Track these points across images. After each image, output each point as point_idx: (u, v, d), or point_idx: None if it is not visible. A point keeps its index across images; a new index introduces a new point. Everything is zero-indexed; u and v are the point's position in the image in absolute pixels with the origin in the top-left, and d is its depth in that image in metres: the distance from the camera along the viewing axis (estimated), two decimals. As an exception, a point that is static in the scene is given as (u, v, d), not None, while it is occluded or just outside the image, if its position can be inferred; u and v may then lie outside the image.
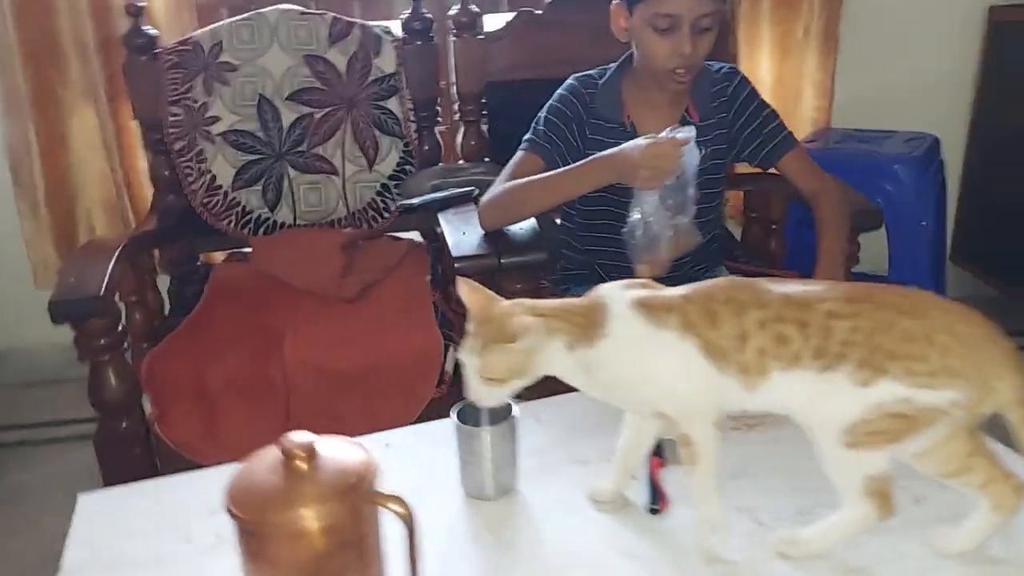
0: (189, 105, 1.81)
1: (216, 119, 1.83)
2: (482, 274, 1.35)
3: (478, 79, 1.92)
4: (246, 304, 1.65)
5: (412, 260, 1.83)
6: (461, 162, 1.98)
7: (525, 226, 1.41)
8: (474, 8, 1.90)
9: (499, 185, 1.43)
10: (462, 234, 1.40)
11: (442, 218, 1.50)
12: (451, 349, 1.48)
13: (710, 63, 1.52)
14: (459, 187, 1.60)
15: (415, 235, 1.99)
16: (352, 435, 1.34)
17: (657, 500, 0.94)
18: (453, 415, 0.98)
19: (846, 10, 2.22)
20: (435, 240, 1.95)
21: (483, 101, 1.94)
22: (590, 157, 1.35)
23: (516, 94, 1.92)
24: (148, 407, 1.41)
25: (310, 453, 0.66)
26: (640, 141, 1.24)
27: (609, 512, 0.95)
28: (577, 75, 1.56)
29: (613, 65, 1.56)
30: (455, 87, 1.96)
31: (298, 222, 1.90)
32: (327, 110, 1.87)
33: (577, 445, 1.07)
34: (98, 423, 1.38)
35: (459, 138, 1.99)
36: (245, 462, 0.70)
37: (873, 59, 2.29)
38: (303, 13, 1.86)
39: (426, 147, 1.95)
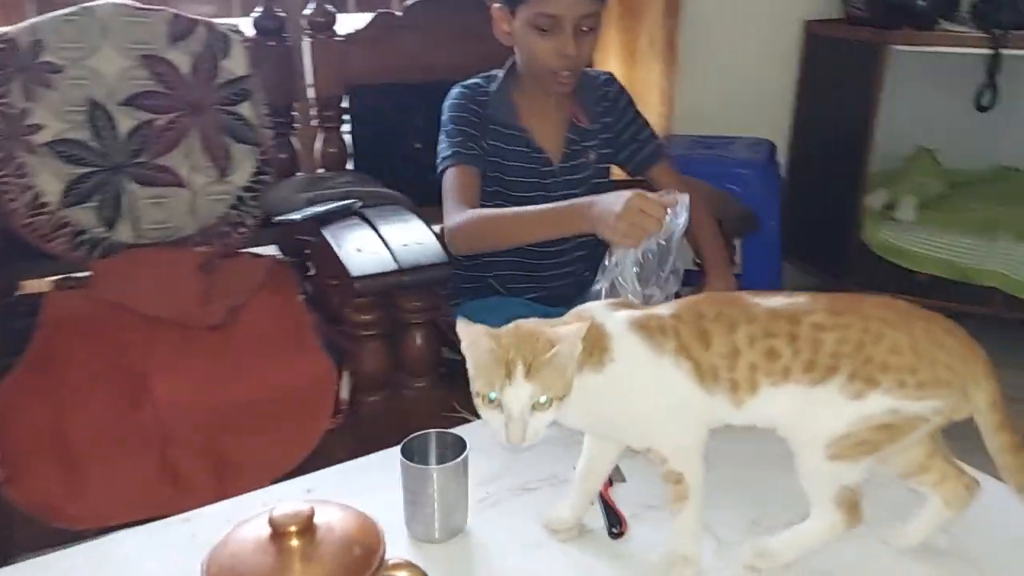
0: (4, 112, 1.57)
1: (39, 127, 1.60)
2: (384, 293, 1.27)
3: (338, 83, 1.81)
4: (94, 338, 1.45)
5: (276, 279, 1.69)
6: (321, 171, 1.87)
7: (423, 239, 1.34)
8: (330, 8, 1.79)
9: (460, 211, 1.34)
10: (357, 251, 1.30)
11: (328, 234, 1.39)
12: (344, 375, 1.38)
13: (588, 69, 1.53)
14: (337, 199, 1.50)
15: (271, 250, 1.86)
16: (242, 479, 1.24)
17: (617, 523, 0.92)
18: (399, 452, 0.91)
19: (683, 21, 2.32)
20: (298, 255, 1.84)
21: (343, 106, 1.84)
22: (570, 201, 1.25)
23: (380, 99, 1.85)
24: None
25: (306, 526, 0.57)
26: (625, 193, 1.12)
27: (568, 541, 0.92)
28: (462, 84, 1.51)
29: (497, 72, 1.53)
30: (313, 91, 1.84)
31: (141, 241, 1.70)
32: (170, 116, 1.69)
33: (520, 472, 1.02)
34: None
35: (318, 145, 1.87)
36: (221, 542, 0.59)
37: (707, 69, 2.41)
38: (139, 9, 1.67)
39: (282, 155, 1.82)
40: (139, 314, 1.53)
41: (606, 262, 1.11)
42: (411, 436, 0.92)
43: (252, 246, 1.81)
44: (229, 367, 1.38)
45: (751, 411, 0.79)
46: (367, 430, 1.38)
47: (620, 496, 0.96)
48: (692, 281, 1.68)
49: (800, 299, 0.79)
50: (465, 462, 0.90)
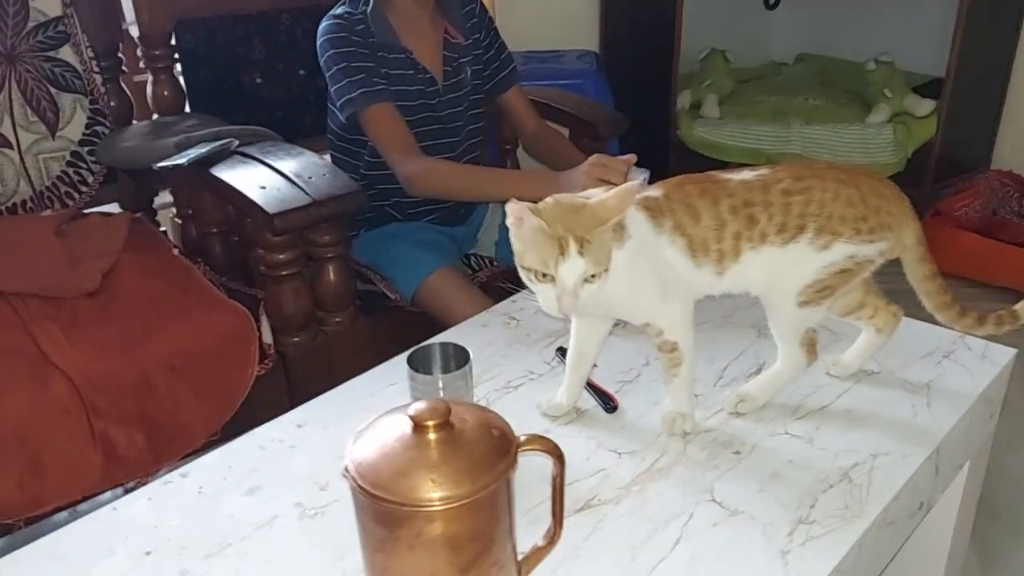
0: None
1: None
2: (303, 228, 1.25)
3: (164, 19, 1.68)
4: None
5: (138, 236, 1.57)
6: (156, 116, 1.74)
7: (326, 170, 1.31)
8: (145, -66, 1.64)
9: (409, 155, 1.40)
10: (261, 188, 1.25)
11: (220, 175, 1.32)
12: (262, 319, 1.34)
13: None
14: (209, 140, 1.42)
15: (113, 208, 1.72)
16: (177, 441, 1.19)
17: (608, 400, 1.01)
18: (405, 363, 0.93)
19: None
20: (144, 210, 1.72)
21: (173, 44, 1.71)
22: (539, 169, 1.42)
23: (212, 34, 1.74)
24: None
25: (444, 420, 0.59)
26: (589, 160, 1.22)
27: (571, 423, 0.99)
28: (331, 16, 1.49)
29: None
30: (137, 30, 1.69)
31: (-31, 214, 1.51)
32: (-20, 69, 1.50)
33: (500, 374, 1.08)
34: None
35: (150, 89, 1.73)
36: (358, 445, 0.60)
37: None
38: (-80, -56, 1.44)
39: (113, 103, 1.67)
40: (-6, 293, 1.37)
41: None
42: (414, 348, 0.94)
43: (93, 205, 1.67)
44: (136, 330, 1.29)
45: (731, 278, 0.89)
46: (294, 372, 1.35)
47: (597, 377, 1.05)
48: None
49: (764, 171, 0.89)
50: (470, 368, 0.93)
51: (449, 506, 0.57)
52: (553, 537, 0.69)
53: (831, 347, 1.09)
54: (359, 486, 0.58)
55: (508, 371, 1.08)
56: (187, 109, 1.76)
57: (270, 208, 1.21)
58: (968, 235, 2.28)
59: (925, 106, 2.50)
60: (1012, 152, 2.75)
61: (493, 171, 1.49)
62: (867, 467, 0.90)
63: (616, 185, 1.10)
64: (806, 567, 0.78)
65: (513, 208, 0.80)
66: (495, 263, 1.62)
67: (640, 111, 2.63)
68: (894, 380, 1.04)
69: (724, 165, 2.52)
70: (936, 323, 0.99)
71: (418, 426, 0.59)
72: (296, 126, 1.80)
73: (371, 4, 1.45)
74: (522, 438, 0.63)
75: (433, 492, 0.57)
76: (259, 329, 1.33)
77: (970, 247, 2.23)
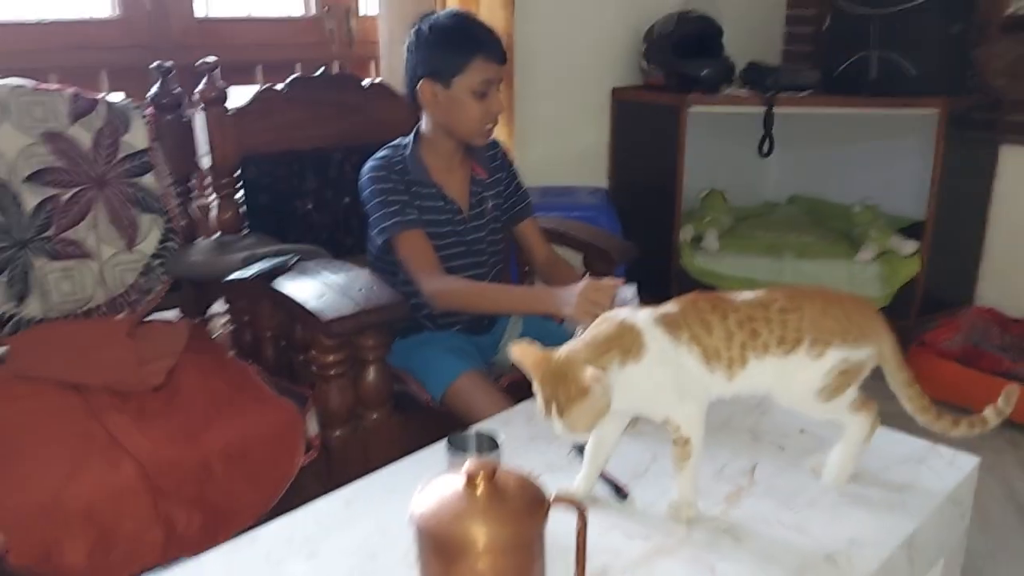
0: (-96, 193, 1.53)
1: (-58, 208, 1.57)
2: (352, 332, 1.43)
3: (232, 153, 1.91)
4: (34, 414, 1.45)
5: (196, 340, 1.76)
6: (217, 235, 1.95)
7: (372, 283, 1.50)
8: (220, 84, 1.90)
9: (432, 274, 1.63)
10: (319, 298, 1.44)
11: (281, 287, 1.51)
12: (309, 413, 1.50)
13: None
14: (271, 257, 1.62)
15: (173, 313, 1.91)
16: (231, 522, 1.33)
17: (619, 490, 1.16)
18: (438, 452, 1.08)
19: (516, 90, 2.65)
20: (198, 316, 1.90)
21: (237, 174, 1.95)
22: (539, 287, 1.70)
23: (272, 167, 1.97)
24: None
25: (492, 475, 0.75)
26: (583, 282, 1.44)
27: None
28: (374, 158, 1.73)
29: (401, 140, 1.75)
30: (209, 161, 1.92)
31: (50, 315, 1.70)
32: (74, 190, 1.72)
33: (525, 464, 1.22)
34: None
35: (214, 211, 1.96)
36: (420, 499, 0.76)
37: (537, 130, 2.75)
38: (37, 88, 1.69)
39: (183, 222, 1.89)
40: (61, 387, 1.54)
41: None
42: (451, 434, 1.10)
43: (157, 311, 1.86)
44: (197, 421, 1.45)
45: (740, 383, 1.06)
46: (336, 461, 1.50)
47: (610, 471, 1.20)
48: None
49: (762, 293, 1.08)
50: (500, 452, 1.09)
51: (495, 546, 0.72)
52: (579, 585, 0.83)
53: (814, 451, 1.25)
54: (422, 529, 0.73)
55: (529, 463, 1.23)
56: (246, 230, 1.98)
57: (326, 315, 1.39)
58: (950, 364, 2.45)
59: (909, 246, 2.72)
60: (992, 290, 2.96)
61: (503, 288, 1.71)
62: (847, 553, 1.04)
63: (604, 306, 1.31)
64: (793, 631, 0.91)
65: (519, 357, 0.99)
66: (515, 369, 1.78)
67: (645, 242, 2.85)
68: (875, 480, 1.18)
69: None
70: (914, 429, 1.15)
71: (470, 480, 0.75)
72: (340, 246, 2.01)
73: (409, 148, 1.70)
74: (552, 497, 0.79)
75: (482, 534, 0.73)
76: (305, 423, 1.49)
77: (952, 375, 2.40)
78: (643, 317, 1.05)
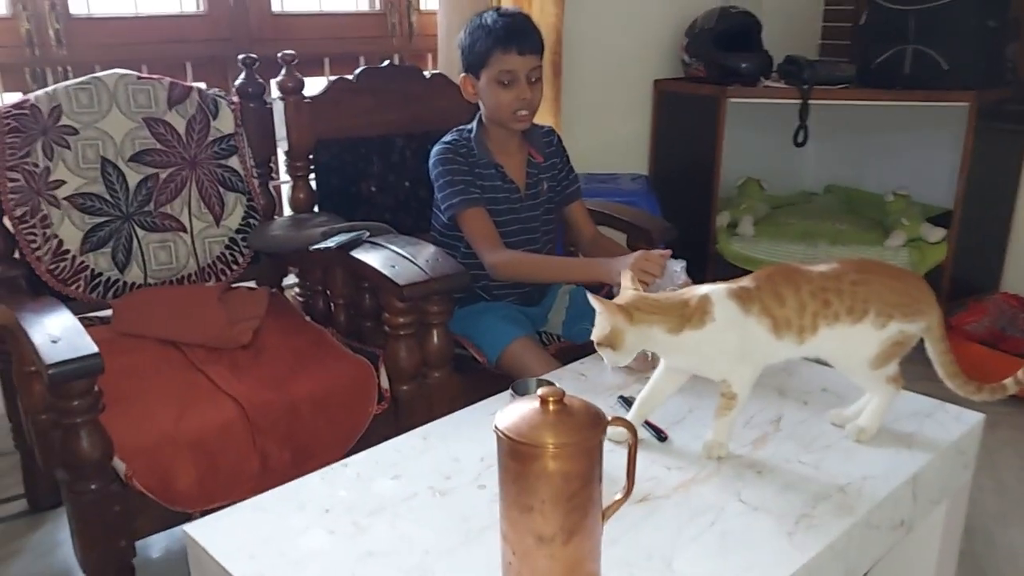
0: (30, 170, 1.74)
1: (61, 183, 1.78)
2: (421, 296, 1.61)
3: (308, 138, 2.10)
4: (143, 365, 1.65)
5: (276, 306, 1.96)
6: (290, 213, 2.14)
7: (439, 255, 1.68)
8: (298, 75, 2.09)
9: (495, 247, 1.80)
10: (392, 267, 1.63)
11: (361, 256, 1.70)
12: (381, 369, 1.69)
13: (535, 123, 1.96)
14: (347, 231, 1.81)
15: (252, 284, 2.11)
16: (314, 460, 1.52)
17: (660, 433, 1.32)
18: (499, 401, 1.26)
19: (564, 83, 2.81)
20: (275, 286, 2.10)
21: (311, 158, 2.14)
22: (592, 260, 1.81)
23: (341, 151, 2.15)
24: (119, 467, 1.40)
25: (560, 397, 0.93)
26: (636, 253, 1.60)
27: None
28: (442, 142, 1.90)
29: (465, 126, 1.92)
30: (286, 145, 2.12)
31: (149, 281, 1.91)
32: (171, 170, 1.92)
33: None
34: (68, 488, 1.35)
35: (288, 191, 2.15)
36: (501, 416, 0.93)
37: (584, 119, 2.91)
38: (140, 78, 1.90)
39: (262, 201, 2.08)
40: (163, 344, 1.75)
41: None
42: (518, 381, 1.27)
43: (240, 281, 2.06)
44: (284, 372, 1.65)
45: (809, 347, 1.20)
46: (402, 413, 1.68)
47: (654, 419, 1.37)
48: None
49: (835, 265, 1.20)
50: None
51: (562, 449, 0.89)
52: (628, 491, 1.00)
53: (835, 406, 1.40)
54: (504, 435, 0.91)
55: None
56: (316, 209, 2.17)
57: (399, 281, 1.57)
58: (976, 347, 2.57)
59: (937, 233, 2.84)
60: (1019, 277, 3.06)
61: (559, 259, 1.88)
62: (857, 485, 1.20)
63: (655, 275, 1.46)
64: (807, 544, 1.07)
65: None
66: (561, 339, 1.96)
67: (684, 227, 3.00)
68: (885, 431, 1.33)
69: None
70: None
71: (543, 402, 0.92)
72: (401, 225, 2.19)
73: (474, 131, 1.87)
74: (609, 416, 0.96)
75: (552, 439, 0.90)
76: (378, 377, 1.68)
77: (978, 356, 2.52)
78: (718, 289, 1.20)
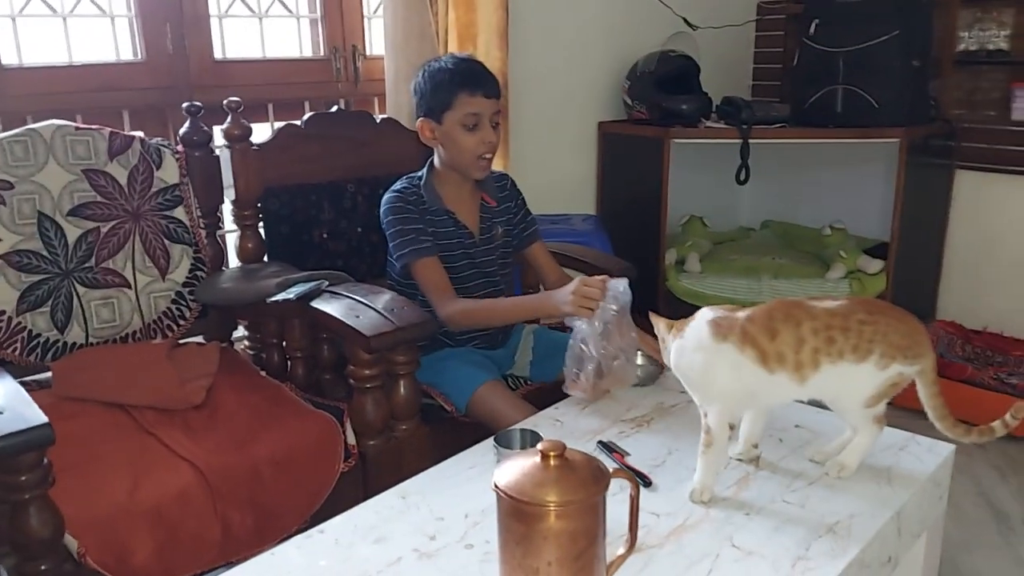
0: (-39, 227, 1.64)
1: (-5, 240, 1.68)
2: (389, 347, 1.56)
3: (256, 186, 2.05)
4: (90, 431, 1.55)
5: (227, 361, 1.88)
6: (238, 264, 2.07)
7: (403, 303, 1.64)
8: (244, 122, 2.04)
9: (448, 298, 1.78)
10: (356, 317, 1.58)
11: (323, 307, 1.64)
12: (346, 424, 1.62)
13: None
14: (304, 282, 1.75)
15: (199, 339, 2.02)
16: (279, 524, 1.45)
17: (644, 478, 1.30)
18: (475, 453, 1.22)
19: (511, 126, 2.82)
20: (224, 340, 2.02)
21: (259, 206, 2.07)
22: (539, 295, 1.81)
23: (291, 198, 2.10)
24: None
25: (562, 452, 0.90)
26: (575, 280, 1.60)
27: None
28: (392, 189, 1.88)
29: (416, 173, 1.90)
30: (233, 194, 2.05)
31: (91, 341, 1.81)
32: (113, 223, 1.84)
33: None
34: (16, 571, 1.24)
35: (235, 240, 2.08)
36: (500, 472, 0.89)
37: (530, 161, 2.92)
38: (78, 128, 1.82)
39: (210, 252, 2.01)
40: (107, 407, 1.64)
41: (571, 340, 1.57)
42: (500, 432, 1.24)
43: (186, 336, 1.97)
44: (243, 433, 1.57)
45: (813, 386, 1.20)
46: (370, 470, 1.62)
47: (632, 462, 1.35)
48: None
49: (844, 302, 1.21)
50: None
51: (568, 507, 0.86)
52: (631, 546, 0.97)
53: (810, 442, 1.41)
54: (507, 495, 0.87)
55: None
56: (265, 258, 2.11)
57: (366, 331, 1.52)
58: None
59: (875, 265, 2.92)
60: (952, 305, 3.18)
61: (510, 300, 1.87)
62: (847, 524, 1.19)
63: (596, 299, 1.54)
64: (806, 587, 1.06)
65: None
66: (529, 381, 1.94)
67: (633, 265, 3.03)
68: (863, 465, 1.34)
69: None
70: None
71: (544, 456, 0.89)
72: (354, 272, 2.14)
73: (424, 178, 1.87)
74: (612, 469, 0.93)
75: (557, 496, 0.87)
76: (343, 432, 1.62)
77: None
78: (706, 310, 1.24)
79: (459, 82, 1.77)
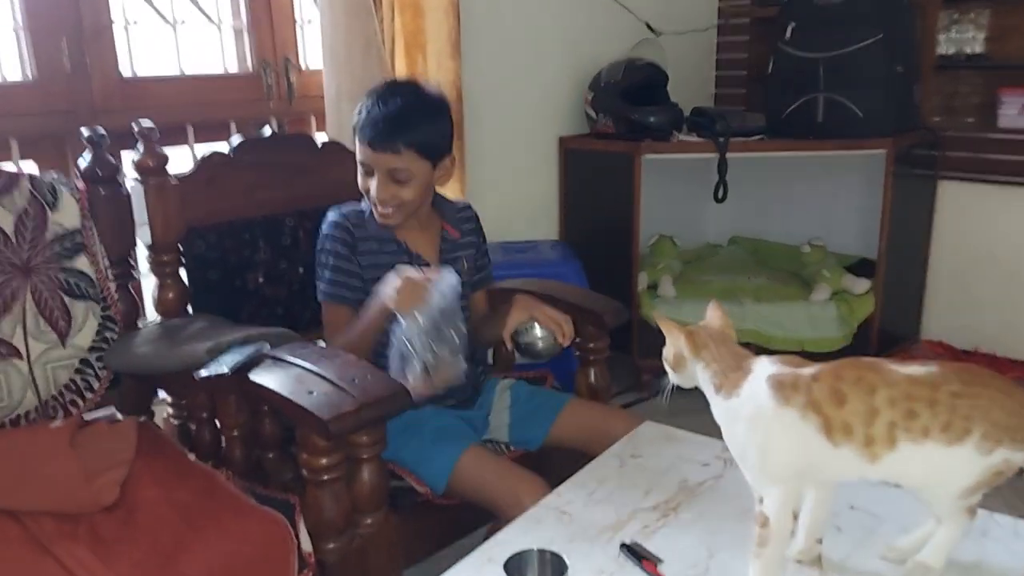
0: None
1: None
2: (353, 430, 1.26)
3: (176, 226, 1.71)
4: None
5: (147, 441, 1.54)
6: (156, 318, 1.74)
7: (367, 370, 1.34)
8: (159, 150, 1.71)
9: (337, 340, 1.58)
10: (308, 393, 1.27)
11: (265, 381, 1.33)
12: (300, 524, 1.31)
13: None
14: (239, 344, 1.43)
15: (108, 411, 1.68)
16: None
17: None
18: (501, 567, 0.94)
19: (466, 144, 2.54)
20: (141, 414, 1.69)
21: (180, 249, 1.74)
22: (375, 298, 1.53)
23: (220, 238, 1.78)
24: None
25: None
26: (393, 273, 1.46)
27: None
28: (341, 209, 1.65)
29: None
30: (149, 237, 1.72)
31: (-28, 428, 1.45)
32: (-3, 281, 1.49)
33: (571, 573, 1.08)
34: None
35: (153, 290, 1.75)
36: None
37: (487, 183, 2.64)
38: (-53, 164, 1.47)
39: (121, 308, 1.67)
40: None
41: (392, 337, 1.43)
42: (513, 554, 0.95)
43: (94, 410, 1.63)
44: (168, 545, 1.24)
45: (888, 466, 0.96)
46: (332, 579, 1.32)
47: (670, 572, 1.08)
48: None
49: (933, 369, 0.96)
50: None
51: None
52: None
53: (874, 531, 1.16)
54: None
55: (580, 573, 1.09)
56: (189, 310, 1.77)
57: (323, 413, 1.22)
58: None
59: (861, 285, 2.73)
60: (937, 324, 3.02)
61: (359, 326, 1.56)
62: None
63: (420, 287, 1.42)
64: None
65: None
66: (511, 447, 1.65)
67: (604, 294, 2.78)
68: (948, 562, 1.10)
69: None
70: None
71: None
72: (297, 320, 1.84)
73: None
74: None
75: None
76: (296, 536, 1.30)
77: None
78: (764, 361, 1.01)
79: (361, 122, 1.56)
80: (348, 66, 2.16)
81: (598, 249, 2.76)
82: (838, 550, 1.13)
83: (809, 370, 1.00)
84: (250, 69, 2.22)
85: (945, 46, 2.82)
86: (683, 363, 1.06)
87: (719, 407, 1.03)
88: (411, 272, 1.45)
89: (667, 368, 1.09)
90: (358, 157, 1.58)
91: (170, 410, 1.78)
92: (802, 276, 2.93)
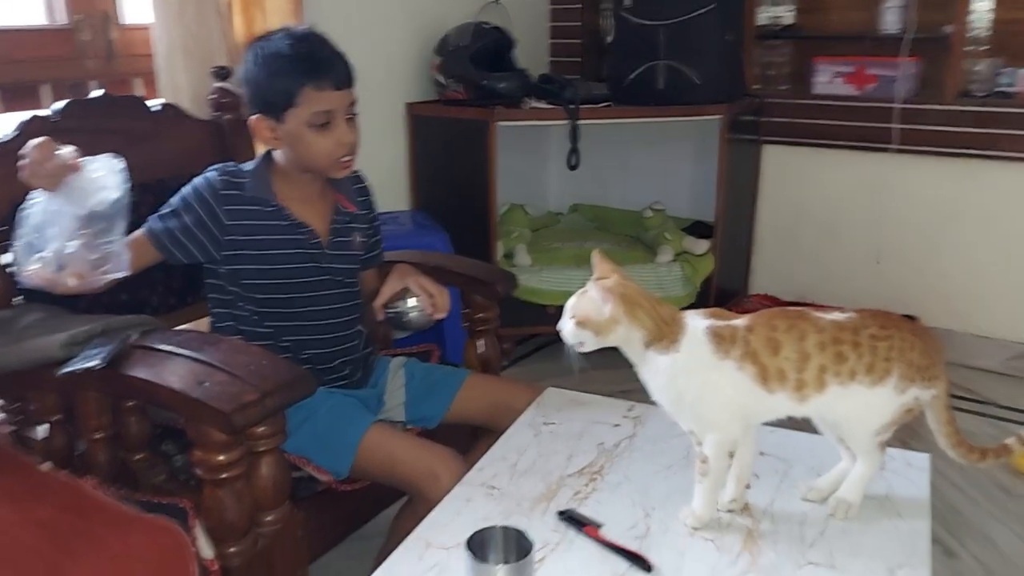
0: None
1: None
2: (257, 421, 1.14)
3: (6, 201, 1.47)
4: None
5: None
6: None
7: (264, 357, 1.21)
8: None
9: None
10: (201, 384, 1.13)
11: (145, 375, 1.16)
12: (196, 531, 1.17)
13: None
14: (97, 335, 1.25)
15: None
16: None
17: (641, 560, 1.02)
18: (464, 548, 0.88)
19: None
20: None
21: (3, 230, 1.50)
22: None
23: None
24: None
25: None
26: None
27: None
28: (216, 168, 1.47)
29: (248, 164, 1.49)
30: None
31: None
32: None
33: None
34: None
35: (-29, 281, 1.49)
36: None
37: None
38: None
39: (-65, 301, 1.41)
40: None
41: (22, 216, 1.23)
42: (474, 531, 0.89)
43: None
44: (39, 573, 1.06)
45: (815, 406, 1.01)
46: (234, 586, 1.19)
47: (611, 538, 1.07)
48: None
49: (852, 315, 1.02)
50: (530, 560, 0.90)
51: None
52: None
53: (784, 471, 1.21)
54: None
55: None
56: (19, 299, 1.53)
57: (223, 406, 1.09)
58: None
59: (701, 245, 2.88)
60: (763, 278, 3.24)
61: None
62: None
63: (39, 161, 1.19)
64: None
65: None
66: (408, 425, 1.58)
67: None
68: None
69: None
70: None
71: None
72: (143, 306, 1.65)
73: (254, 169, 1.47)
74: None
75: None
76: (195, 543, 1.16)
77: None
78: (698, 317, 1.03)
79: (303, 71, 1.37)
80: (181, 20, 1.94)
81: (452, 218, 2.69)
82: (762, 496, 1.17)
83: (740, 321, 1.04)
84: (61, 23, 1.93)
85: (761, 17, 2.99)
86: (611, 328, 1.03)
87: (652, 363, 1.03)
88: (43, 144, 1.21)
89: (572, 335, 1.05)
90: (314, 110, 1.39)
91: (1, 413, 1.53)
92: (644, 240, 3.03)
